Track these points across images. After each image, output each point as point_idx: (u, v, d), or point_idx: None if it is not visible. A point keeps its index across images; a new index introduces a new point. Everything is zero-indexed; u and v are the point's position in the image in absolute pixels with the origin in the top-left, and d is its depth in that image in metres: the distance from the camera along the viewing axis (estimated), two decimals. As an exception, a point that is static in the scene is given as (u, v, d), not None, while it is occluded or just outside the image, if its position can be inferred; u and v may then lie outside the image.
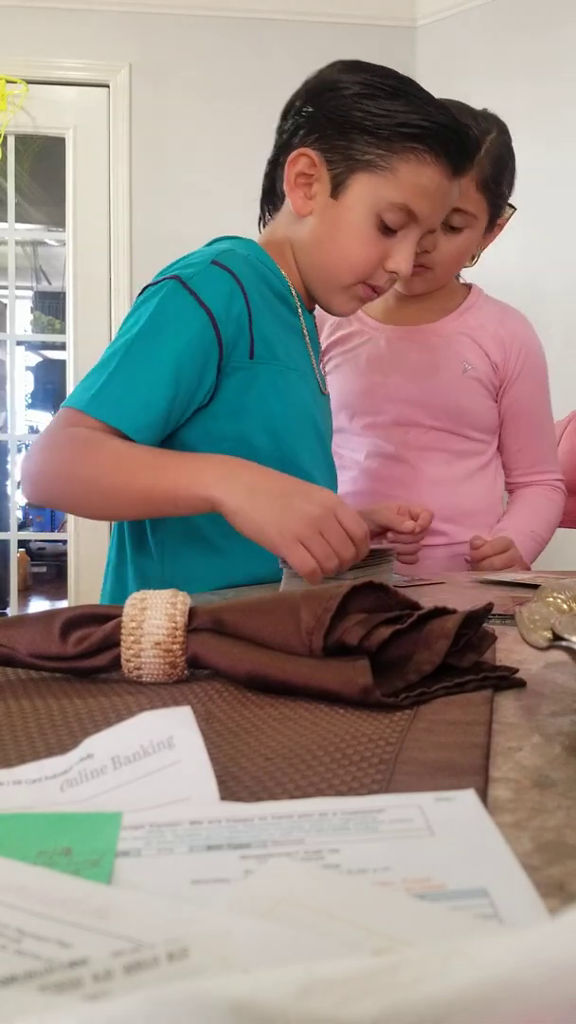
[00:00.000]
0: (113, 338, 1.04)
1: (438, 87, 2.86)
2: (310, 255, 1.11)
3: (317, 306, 1.20)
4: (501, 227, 1.40)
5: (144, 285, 1.06)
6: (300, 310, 1.15)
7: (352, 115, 1.05)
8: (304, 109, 1.09)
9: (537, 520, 1.45)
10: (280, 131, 1.12)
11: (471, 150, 1.10)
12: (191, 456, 0.94)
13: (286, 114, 1.11)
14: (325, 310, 1.17)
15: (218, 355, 1.02)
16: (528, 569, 1.33)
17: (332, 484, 1.23)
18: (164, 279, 1.03)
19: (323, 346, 1.46)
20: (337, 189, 1.07)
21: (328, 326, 1.47)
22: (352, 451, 1.44)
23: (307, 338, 1.17)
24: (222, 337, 1.02)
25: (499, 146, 1.32)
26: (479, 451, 1.44)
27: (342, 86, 1.06)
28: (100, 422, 0.95)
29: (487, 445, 1.45)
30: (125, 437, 0.95)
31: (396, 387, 1.41)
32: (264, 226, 1.20)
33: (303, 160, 1.08)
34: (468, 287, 1.49)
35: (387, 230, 1.06)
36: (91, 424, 0.96)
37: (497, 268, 2.61)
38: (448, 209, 1.14)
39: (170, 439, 1.04)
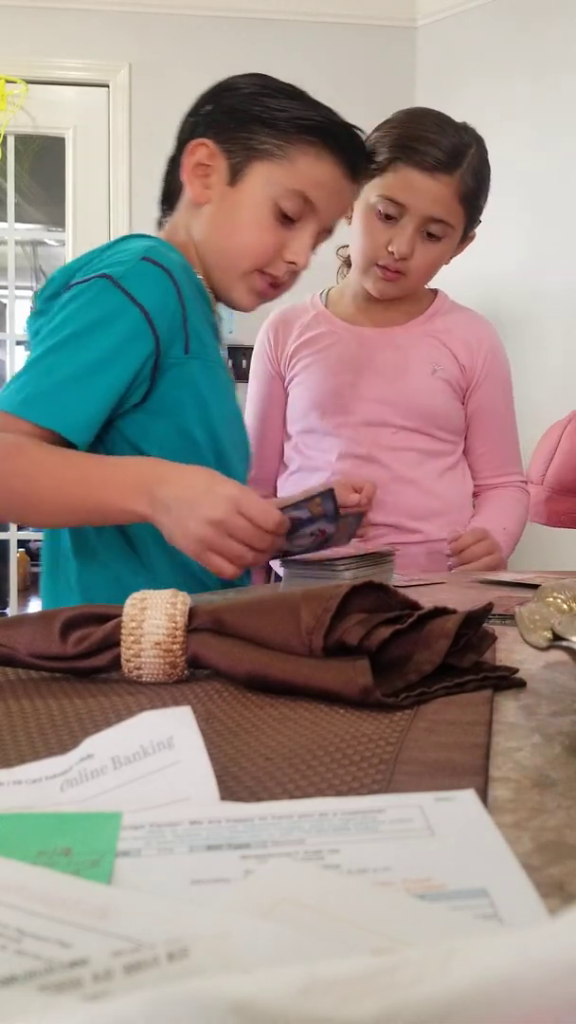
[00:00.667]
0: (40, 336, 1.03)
1: (438, 87, 2.86)
2: (208, 243, 1.11)
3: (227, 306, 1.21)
4: (471, 240, 1.44)
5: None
6: (214, 303, 1.16)
7: (251, 109, 1.08)
8: (203, 108, 1.11)
9: (507, 517, 1.46)
10: (180, 130, 1.14)
11: (365, 154, 1.14)
12: (115, 465, 0.95)
13: (186, 116, 1.14)
14: (226, 303, 1.16)
15: (154, 352, 1.02)
16: (504, 563, 1.34)
17: (247, 462, 1.23)
18: (93, 278, 1.01)
19: (291, 348, 1.48)
20: (235, 177, 1.08)
21: (297, 327, 1.48)
22: (323, 452, 1.44)
23: (218, 334, 1.18)
24: (158, 334, 1.01)
25: (479, 160, 1.35)
26: (448, 451, 1.46)
27: (240, 86, 1.10)
28: (33, 424, 0.93)
29: (455, 446, 1.47)
30: (59, 438, 0.95)
31: (367, 387, 1.42)
32: (161, 228, 1.20)
33: (201, 150, 1.09)
34: (434, 292, 1.52)
35: (285, 219, 1.07)
36: (23, 428, 0.93)
37: (497, 268, 2.61)
38: (345, 211, 1.18)
39: (111, 436, 1.04)
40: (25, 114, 3.00)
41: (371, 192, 1.32)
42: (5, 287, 3.42)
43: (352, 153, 1.09)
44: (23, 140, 3.13)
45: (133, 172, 2.99)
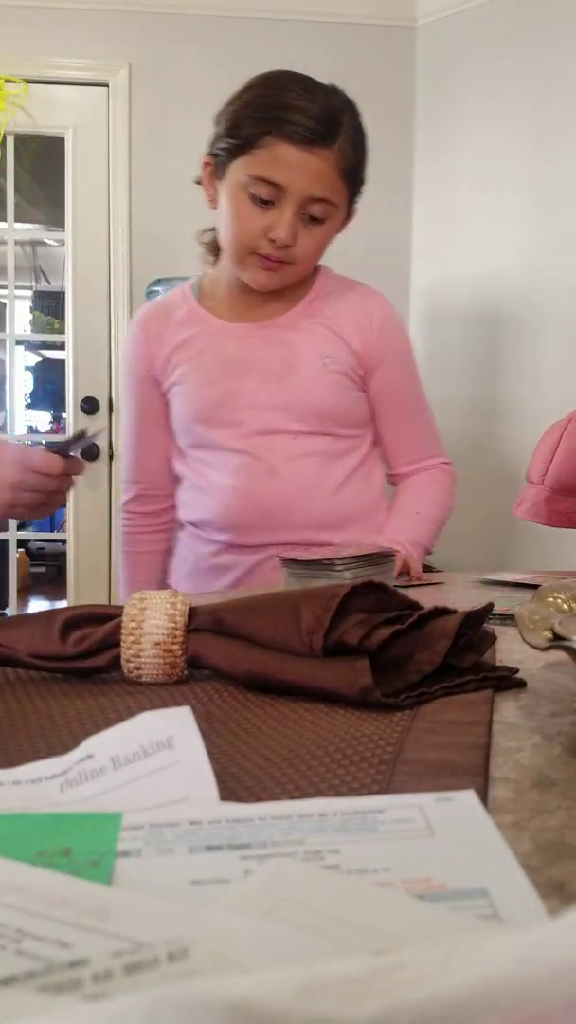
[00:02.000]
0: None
1: (438, 87, 2.85)
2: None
3: None
4: (353, 217, 1.29)
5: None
6: None
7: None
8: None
9: (420, 500, 1.35)
10: None
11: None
12: None
13: None
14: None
15: None
16: (418, 574, 1.19)
17: None
18: None
19: (166, 351, 1.30)
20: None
21: (171, 327, 1.31)
22: (217, 471, 1.27)
23: None
24: None
25: (355, 127, 1.19)
26: (353, 448, 1.31)
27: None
28: None
29: (361, 440, 1.32)
30: None
31: (254, 392, 1.26)
32: None
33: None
34: (315, 270, 1.33)
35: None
36: None
37: (497, 268, 2.61)
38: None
39: None
40: (25, 114, 3.00)
41: (239, 172, 1.17)
42: (4, 287, 3.42)
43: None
44: (23, 140, 3.13)
45: (133, 172, 2.99)
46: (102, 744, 0.38)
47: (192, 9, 2.81)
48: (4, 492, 0.95)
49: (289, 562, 0.93)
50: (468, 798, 0.34)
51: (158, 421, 1.32)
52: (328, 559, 0.91)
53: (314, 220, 1.19)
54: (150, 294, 2.62)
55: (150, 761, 0.37)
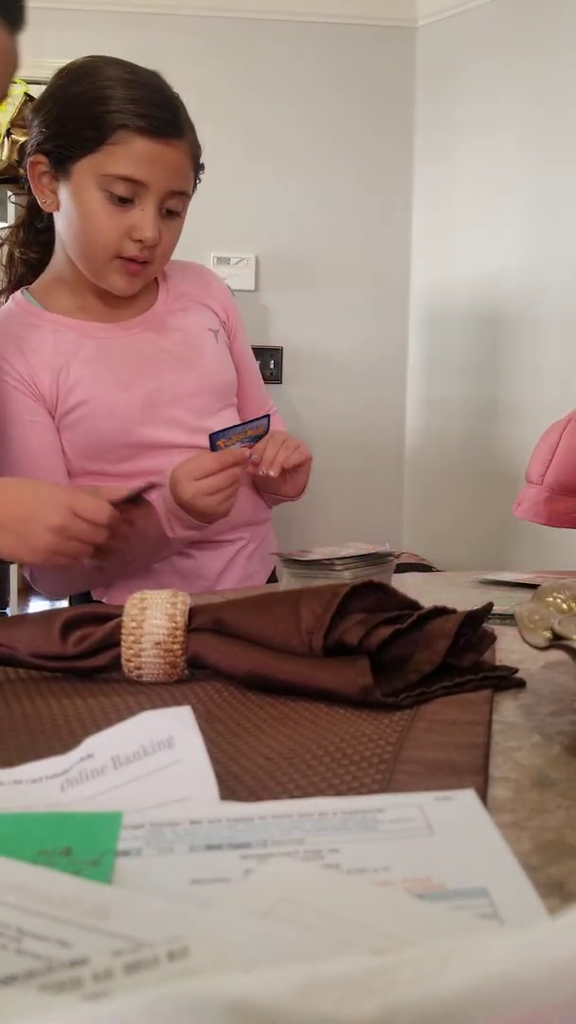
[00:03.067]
0: None
1: (438, 87, 2.85)
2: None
3: None
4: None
5: None
6: None
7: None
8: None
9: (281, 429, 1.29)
10: None
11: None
12: None
13: None
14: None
15: None
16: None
17: None
18: None
19: (50, 371, 1.15)
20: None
21: (37, 344, 1.15)
22: (157, 472, 1.13)
23: None
24: None
25: (185, 110, 1.13)
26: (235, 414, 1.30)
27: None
28: None
29: (234, 407, 1.31)
30: None
31: (174, 384, 1.19)
32: None
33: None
34: None
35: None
36: None
37: (496, 268, 2.61)
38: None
39: None
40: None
41: (88, 171, 1.07)
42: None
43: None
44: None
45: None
46: (102, 743, 0.38)
47: (192, 9, 2.81)
48: (45, 536, 0.88)
49: (289, 562, 0.93)
50: (468, 797, 0.34)
51: (53, 446, 1.15)
52: (328, 559, 0.90)
53: (171, 214, 1.12)
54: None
55: (150, 760, 0.37)
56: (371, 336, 2.81)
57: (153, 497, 1.04)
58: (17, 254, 1.24)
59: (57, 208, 1.12)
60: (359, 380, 2.80)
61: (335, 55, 2.76)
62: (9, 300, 1.21)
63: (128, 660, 0.55)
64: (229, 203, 2.71)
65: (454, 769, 0.39)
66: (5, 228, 1.27)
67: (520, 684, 0.55)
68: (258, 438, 1.12)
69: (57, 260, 1.19)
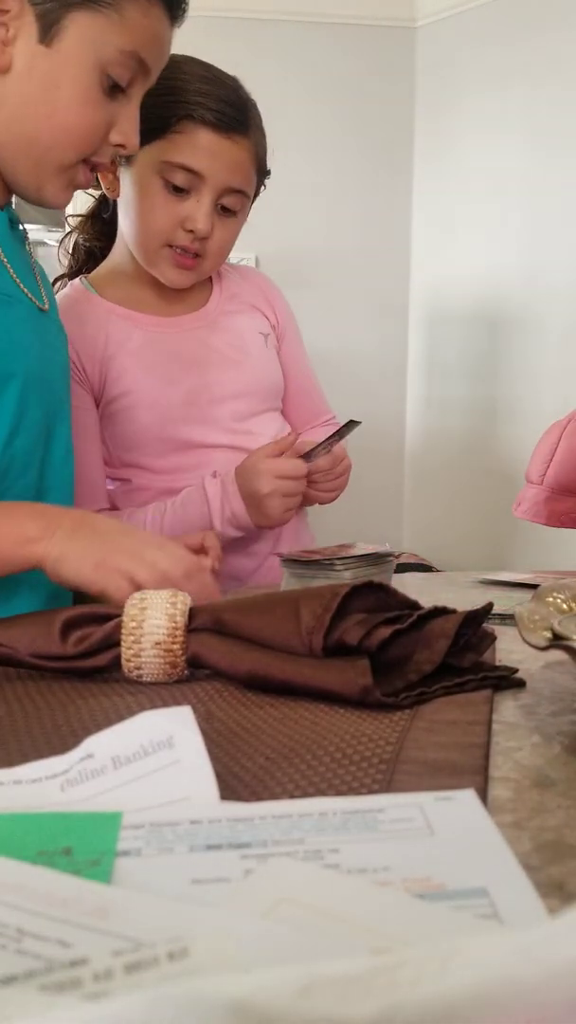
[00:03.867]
0: None
1: (438, 87, 2.85)
2: (12, 126, 0.81)
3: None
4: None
5: None
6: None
7: None
8: None
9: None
10: None
11: None
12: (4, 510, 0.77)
13: None
14: (29, 200, 0.88)
15: None
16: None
17: (69, 452, 0.99)
18: None
19: (97, 356, 1.15)
20: (48, 32, 0.78)
21: (89, 328, 1.15)
22: (192, 470, 1.16)
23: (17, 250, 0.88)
24: None
25: (260, 119, 1.13)
26: (283, 423, 1.28)
27: None
28: None
29: (281, 413, 1.30)
30: None
31: (220, 383, 1.18)
32: None
33: None
34: None
35: (113, 89, 0.82)
36: None
37: (496, 268, 2.61)
38: (163, 65, 0.92)
39: None
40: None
41: (150, 157, 1.06)
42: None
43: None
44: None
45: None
46: (102, 743, 0.38)
47: (191, 9, 2.81)
48: (121, 556, 0.74)
49: (289, 562, 0.93)
50: (468, 798, 0.34)
51: (94, 431, 1.16)
52: (328, 559, 0.90)
53: (227, 212, 1.11)
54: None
55: (150, 761, 0.37)
56: (371, 336, 2.81)
57: (207, 484, 1.04)
58: (81, 241, 1.25)
59: (118, 194, 1.13)
60: (359, 380, 2.80)
61: (334, 55, 2.76)
62: (67, 286, 1.21)
63: (128, 660, 0.55)
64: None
65: (454, 769, 0.39)
66: (76, 217, 1.25)
67: (520, 684, 0.55)
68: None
69: (118, 250, 1.19)
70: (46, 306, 0.92)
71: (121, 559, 0.72)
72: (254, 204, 1.19)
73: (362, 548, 0.97)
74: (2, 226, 0.87)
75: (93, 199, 1.22)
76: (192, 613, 0.56)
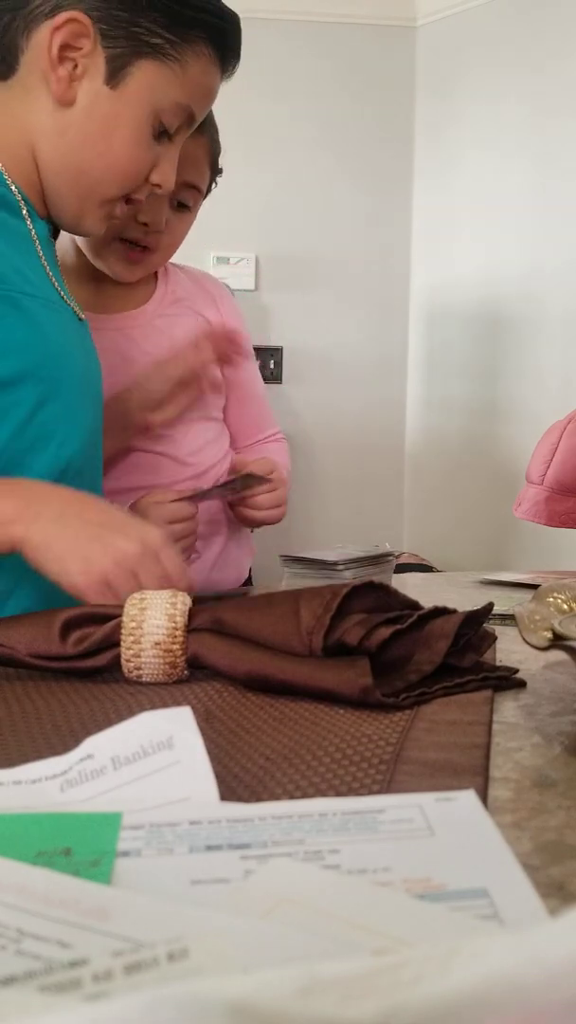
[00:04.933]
0: None
1: (438, 87, 2.85)
2: (69, 159, 0.85)
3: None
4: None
5: None
6: (27, 213, 0.87)
7: None
8: None
9: (282, 459, 1.27)
10: None
11: (240, 54, 0.92)
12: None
13: None
14: (69, 228, 0.91)
15: None
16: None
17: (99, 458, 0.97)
18: None
19: None
20: (116, 76, 0.82)
21: None
22: (123, 479, 1.13)
23: (40, 251, 0.87)
24: None
25: (212, 114, 1.10)
26: (222, 430, 1.26)
27: None
28: None
29: (220, 422, 1.27)
30: None
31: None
32: None
33: (72, 27, 0.80)
34: None
35: (161, 135, 0.87)
36: None
37: (497, 268, 2.62)
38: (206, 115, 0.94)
39: None
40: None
41: None
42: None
43: (235, 49, 0.90)
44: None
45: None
46: (102, 744, 0.38)
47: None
48: (109, 561, 0.68)
49: (289, 561, 0.93)
50: (468, 798, 0.34)
51: None
52: (328, 559, 0.91)
53: (181, 207, 1.11)
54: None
55: (150, 761, 0.37)
56: (371, 336, 2.81)
57: None
58: None
59: None
60: (359, 380, 2.80)
61: (335, 54, 2.76)
62: None
63: (128, 660, 0.55)
64: (229, 203, 2.71)
65: (454, 770, 0.39)
66: None
67: (521, 684, 0.55)
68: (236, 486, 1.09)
69: (62, 245, 1.15)
70: (84, 315, 0.94)
71: (106, 566, 0.67)
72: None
73: (362, 548, 0.97)
74: (44, 236, 0.89)
75: None
76: (192, 613, 0.56)
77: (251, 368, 1.31)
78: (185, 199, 1.10)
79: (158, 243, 1.10)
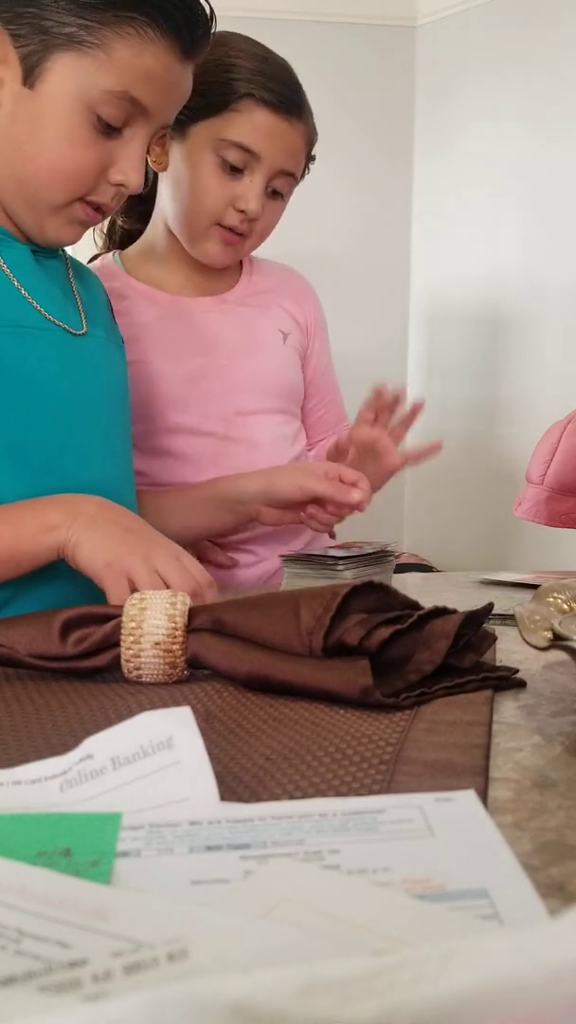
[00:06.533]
0: None
1: (438, 87, 2.85)
2: (4, 167, 0.82)
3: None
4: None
5: None
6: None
7: None
8: None
9: None
10: None
11: (204, 23, 0.86)
12: (25, 505, 0.78)
13: None
14: (40, 242, 0.88)
15: None
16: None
17: (120, 477, 0.95)
18: None
19: None
20: (31, 74, 0.78)
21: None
22: (189, 462, 1.15)
23: (12, 276, 0.85)
24: None
25: (308, 101, 1.11)
26: (299, 429, 1.26)
27: None
28: None
29: (298, 419, 1.28)
30: None
31: (225, 369, 1.16)
32: None
33: None
34: None
35: (107, 128, 0.81)
36: None
37: (496, 267, 2.61)
38: (183, 101, 0.88)
39: None
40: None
41: (207, 134, 1.06)
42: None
43: (187, 27, 0.82)
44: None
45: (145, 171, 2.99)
46: (102, 744, 0.38)
47: (192, 9, 2.81)
48: (134, 556, 0.74)
49: (289, 561, 0.93)
50: (468, 798, 0.34)
51: None
52: (328, 559, 0.91)
53: (276, 194, 1.11)
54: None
55: (150, 761, 0.37)
56: (371, 336, 2.81)
57: None
58: (120, 222, 1.25)
59: (165, 168, 1.12)
60: (359, 380, 2.80)
61: (334, 54, 2.76)
62: (98, 260, 1.21)
63: (128, 660, 0.55)
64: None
65: (454, 770, 0.39)
66: None
67: (521, 685, 0.55)
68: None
69: (154, 231, 1.19)
70: (83, 330, 0.91)
71: (132, 562, 0.72)
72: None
73: (362, 547, 0.97)
74: (23, 259, 0.87)
75: None
76: (192, 613, 0.56)
77: (326, 362, 1.32)
78: (280, 187, 1.11)
79: (252, 229, 1.11)
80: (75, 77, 0.78)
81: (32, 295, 0.86)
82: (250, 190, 1.07)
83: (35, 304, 0.86)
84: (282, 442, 1.21)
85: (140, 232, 1.22)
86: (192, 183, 1.08)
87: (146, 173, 0.91)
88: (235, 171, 1.06)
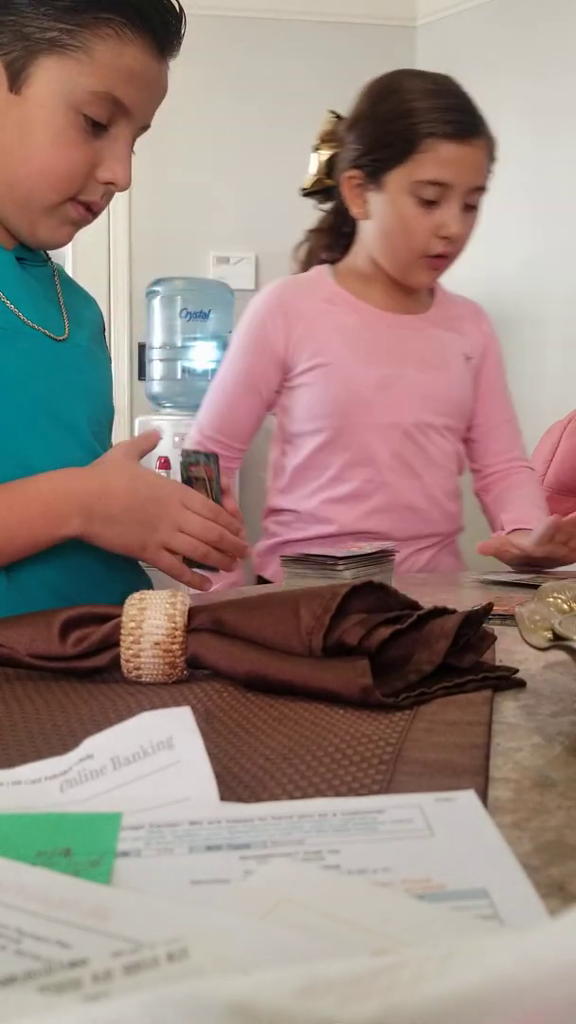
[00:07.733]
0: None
1: (438, 87, 2.83)
2: None
3: None
4: None
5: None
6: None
7: None
8: None
9: (538, 500, 1.37)
10: None
11: (176, 22, 0.87)
12: (29, 494, 0.81)
13: None
14: (32, 244, 0.90)
15: None
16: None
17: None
18: None
19: (301, 331, 1.28)
20: (17, 80, 0.81)
21: (308, 309, 1.30)
22: (361, 456, 1.27)
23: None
24: None
25: (478, 107, 1.23)
26: (460, 449, 1.37)
27: None
28: None
29: (460, 439, 1.38)
30: None
31: (413, 379, 1.28)
32: None
33: None
34: None
35: (94, 127, 0.83)
36: None
37: (497, 268, 2.61)
38: (162, 99, 0.90)
39: None
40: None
41: (401, 179, 1.18)
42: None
43: (162, 28, 0.84)
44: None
45: (133, 172, 2.99)
46: (102, 744, 0.38)
47: (192, 8, 2.81)
48: (158, 532, 0.83)
49: (289, 561, 0.93)
50: (468, 798, 0.34)
51: (261, 394, 1.32)
52: (328, 559, 0.91)
53: (469, 208, 1.22)
54: (150, 294, 2.62)
55: (150, 761, 0.37)
56: (371, 336, 2.80)
57: None
58: (324, 256, 1.39)
59: (368, 217, 1.25)
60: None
61: (334, 54, 2.76)
62: (312, 270, 1.37)
63: (127, 660, 0.55)
64: (229, 203, 2.71)
65: (454, 770, 0.39)
66: (308, 230, 1.43)
67: (521, 685, 0.55)
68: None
69: (356, 258, 1.32)
70: (63, 335, 0.93)
71: (161, 536, 0.82)
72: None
73: (363, 548, 0.97)
74: (6, 265, 0.89)
75: (327, 213, 1.38)
76: (191, 613, 0.56)
77: (500, 386, 1.42)
78: (473, 201, 1.21)
79: (455, 248, 1.24)
80: (60, 80, 0.81)
81: (11, 300, 0.88)
82: (449, 216, 1.19)
83: (13, 308, 0.88)
84: (442, 460, 1.32)
85: (333, 260, 1.37)
86: (398, 225, 1.22)
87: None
88: (431, 204, 1.19)
